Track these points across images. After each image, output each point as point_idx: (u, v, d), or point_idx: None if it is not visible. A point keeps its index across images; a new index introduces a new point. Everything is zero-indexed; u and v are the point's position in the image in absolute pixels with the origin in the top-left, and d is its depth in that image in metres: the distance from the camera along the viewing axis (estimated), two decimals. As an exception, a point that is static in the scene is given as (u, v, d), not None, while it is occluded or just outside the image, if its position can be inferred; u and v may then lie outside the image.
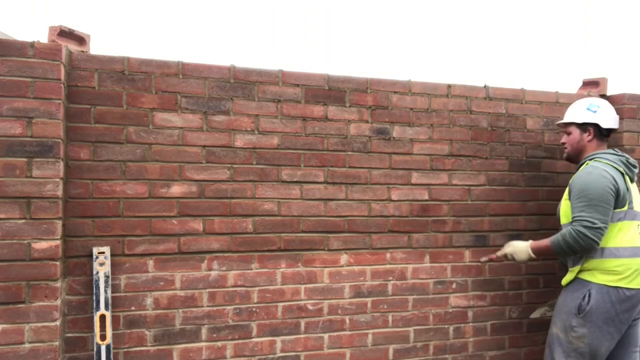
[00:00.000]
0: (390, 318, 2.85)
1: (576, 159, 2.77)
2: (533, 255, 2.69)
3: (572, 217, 2.52)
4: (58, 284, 2.23)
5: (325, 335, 2.74)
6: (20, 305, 2.18)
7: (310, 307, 2.73)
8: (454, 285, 2.98)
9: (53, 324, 2.21)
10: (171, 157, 2.52)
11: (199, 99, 2.56)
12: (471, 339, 3.00)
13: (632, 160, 2.65)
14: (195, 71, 2.55)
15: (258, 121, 2.65)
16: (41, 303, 2.20)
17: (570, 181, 2.65)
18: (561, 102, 3.20)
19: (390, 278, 2.86)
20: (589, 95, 3.26)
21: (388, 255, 2.86)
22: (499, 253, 2.83)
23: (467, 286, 3.00)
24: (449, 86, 2.98)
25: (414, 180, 2.90)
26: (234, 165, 2.61)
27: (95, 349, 2.34)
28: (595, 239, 2.43)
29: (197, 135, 2.55)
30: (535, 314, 3.10)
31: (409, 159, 2.89)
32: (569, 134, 2.77)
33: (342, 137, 2.78)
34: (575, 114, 2.75)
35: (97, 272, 2.37)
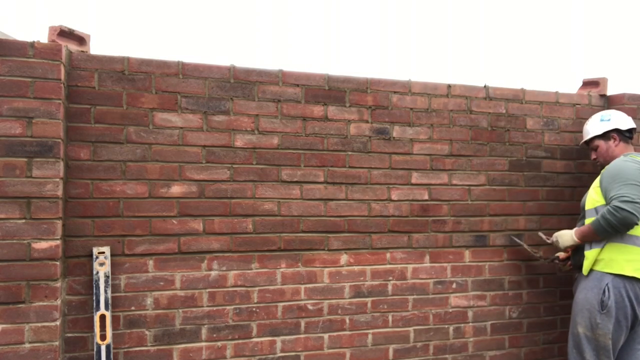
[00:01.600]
0: (390, 318, 2.85)
1: None
2: (577, 240, 2.73)
3: (609, 198, 2.56)
4: (58, 284, 2.23)
5: (325, 335, 2.74)
6: (20, 305, 2.18)
7: (310, 307, 2.73)
8: (454, 285, 2.98)
9: (53, 324, 2.21)
10: (171, 157, 2.52)
11: (199, 99, 2.56)
12: (471, 339, 3.00)
13: None
14: (195, 71, 2.55)
15: (258, 121, 2.65)
16: (41, 303, 2.20)
17: (601, 172, 2.73)
18: (561, 102, 3.20)
19: (390, 278, 2.86)
20: (589, 95, 3.26)
21: (388, 255, 2.86)
22: (549, 239, 2.92)
23: (467, 286, 3.00)
24: (449, 86, 2.98)
25: (414, 180, 2.90)
26: (234, 165, 2.61)
27: (95, 349, 2.34)
28: (634, 212, 2.46)
29: (197, 135, 2.55)
30: (519, 241, 3.05)
31: (409, 159, 2.89)
32: (595, 148, 2.89)
33: (342, 137, 2.78)
34: (594, 128, 2.88)
35: (97, 272, 2.37)
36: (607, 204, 2.58)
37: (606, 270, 2.56)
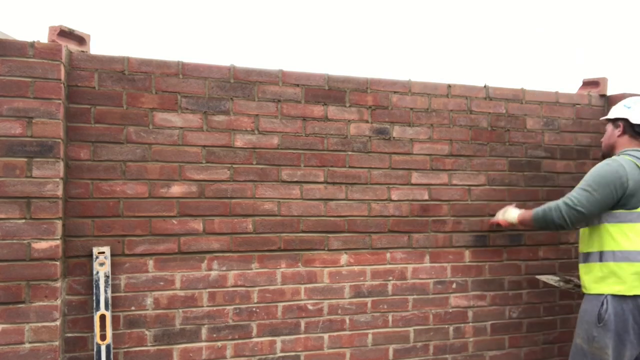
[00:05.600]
0: (390, 318, 2.85)
1: (609, 155, 2.66)
2: (517, 220, 2.75)
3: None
4: (58, 284, 2.23)
5: (325, 335, 2.74)
6: (20, 305, 2.18)
7: (310, 307, 2.73)
8: (454, 285, 2.98)
9: (53, 324, 2.21)
10: (171, 157, 2.52)
11: (199, 99, 2.56)
12: (471, 339, 3.00)
13: None
14: (195, 71, 2.55)
15: (258, 121, 2.65)
16: (41, 303, 2.20)
17: None
18: (561, 102, 3.20)
19: (390, 278, 2.86)
20: (589, 95, 3.26)
21: (388, 255, 2.86)
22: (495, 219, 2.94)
23: (467, 286, 3.00)
24: (449, 86, 2.98)
25: (414, 180, 2.90)
26: (234, 165, 2.61)
27: (95, 349, 2.34)
28: (566, 218, 2.43)
29: (197, 135, 2.55)
30: (545, 278, 3.01)
31: (409, 159, 2.89)
32: (605, 131, 2.74)
33: (342, 137, 2.78)
34: (612, 111, 2.70)
35: (97, 272, 2.37)
36: None
37: (604, 292, 2.43)
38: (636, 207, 2.42)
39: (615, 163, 2.46)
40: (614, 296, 2.40)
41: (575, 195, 2.45)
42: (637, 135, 2.60)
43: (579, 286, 2.87)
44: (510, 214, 2.82)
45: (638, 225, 2.42)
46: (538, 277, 3.05)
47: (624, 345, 2.38)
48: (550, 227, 2.55)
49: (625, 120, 2.59)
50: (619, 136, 2.62)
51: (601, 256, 2.47)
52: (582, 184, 2.48)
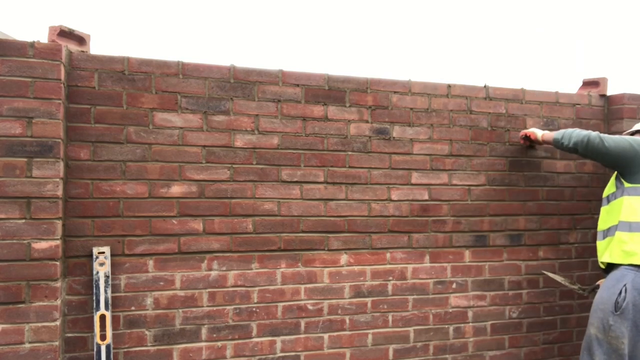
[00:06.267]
0: (390, 318, 2.85)
1: None
2: (540, 136, 2.91)
3: None
4: (58, 284, 2.23)
5: (325, 335, 2.74)
6: (20, 305, 2.18)
7: (310, 307, 2.73)
8: (454, 285, 2.98)
9: (53, 324, 2.21)
10: (171, 157, 2.52)
11: (199, 99, 2.56)
12: (471, 339, 3.00)
13: None
14: (195, 71, 2.55)
15: (258, 121, 2.65)
16: (41, 303, 2.20)
17: None
18: (561, 102, 3.20)
19: (390, 278, 2.86)
20: (589, 95, 3.26)
21: (388, 255, 2.86)
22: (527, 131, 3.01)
23: (467, 286, 3.00)
24: (449, 86, 2.98)
25: (414, 180, 2.90)
26: (234, 165, 2.61)
27: (95, 349, 2.34)
28: (588, 140, 2.58)
29: (197, 135, 2.55)
30: (553, 275, 3.03)
31: (409, 159, 2.89)
32: None
33: (342, 137, 2.78)
34: (637, 124, 2.82)
35: (97, 272, 2.37)
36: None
37: (622, 262, 2.45)
38: None
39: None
40: (634, 281, 2.38)
41: (607, 135, 2.61)
42: None
43: (584, 290, 2.94)
44: (539, 130, 2.96)
45: None
46: (545, 272, 3.06)
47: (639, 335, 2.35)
48: (564, 141, 2.69)
49: None
50: None
51: (621, 226, 2.50)
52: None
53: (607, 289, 2.46)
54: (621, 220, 2.51)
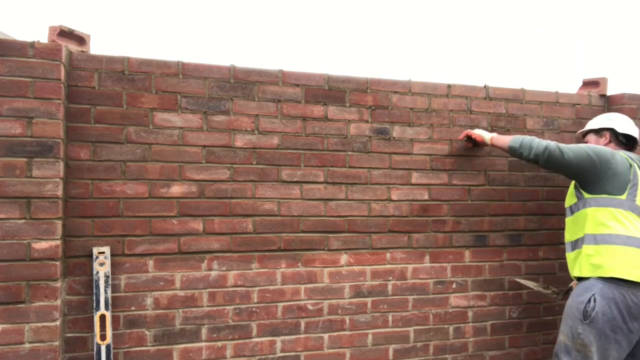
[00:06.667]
0: (390, 318, 2.85)
1: None
2: (489, 138, 2.81)
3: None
4: (58, 284, 2.23)
5: (325, 335, 2.74)
6: (20, 305, 2.18)
7: (310, 307, 2.73)
8: (454, 285, 2.98)
9: (53, 324, 2.21)
10: (171, 157, 2.52)
11: (199, 99, 2.56)
12: (471, 339, 3.00)
13: None
14: (195, 71, 2.55)
15: (258, 121, 2.65)
16: (41, 303, 2.20)
17: None
18: (561, 102, 3.20)
19: (390, 278, 2.86)
20: (589, 95, 3.26)
21: (388, 255, 2.86)
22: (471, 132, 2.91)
23: (467, 286, 3.00)
24: (449, 86, 2.98)
25: (414, 180, 2.90)
26: (234, 165, 2.61)
27: (95, 349, 2.34)
28: (547, 151, 2.53)
29: (197, 135, 2.55)
30: (524, 282, 3.01)
31: (409, 159, 2.89)
32: (586, 142, 2.83)
33: (342, 137, 2.78)
34: (592, 123, 2.84)
35: (97, 272, 2.37)
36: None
37: (591, 275, 2.45)
38: (622, 194, 2.48)
39: (610, 149, 2.60)
40: (603, 290, 2.38)
41: (565, 145, 2.56)
42: (621, 144, 2.74)
43: (557, 293, 2.94)
44: (486, 132, 2.87)
45: (621, 210, 2.46)
46: (516, 279, 3.04)
47: (609, 344, 2.36)
48: (524, 152, 2.62)
49: (611, 130, 2.74)
50: (605, 145, 2.73)
51: (587, 239, 2.50)
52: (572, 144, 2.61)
53: (576, 297, 2.48)
54: (586, 233, 2.51)
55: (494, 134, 2.83)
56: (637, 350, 2.47)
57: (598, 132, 2.78)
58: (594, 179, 2.51)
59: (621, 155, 2.56)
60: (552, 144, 2.56)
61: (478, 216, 3.02)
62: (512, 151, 2.70)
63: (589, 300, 2.39)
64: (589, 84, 3.34)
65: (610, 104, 3.27)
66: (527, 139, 2.64)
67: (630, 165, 2.53)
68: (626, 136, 2.72)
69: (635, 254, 2.39)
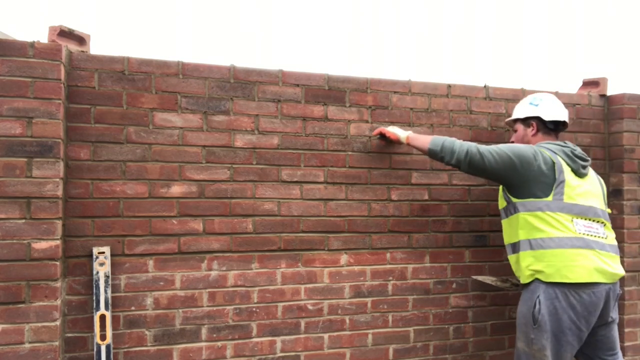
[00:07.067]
0: (390, 318, 2.85)
1: None
2: (405, 137, 2.64)
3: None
4: (58, 284, 2.23)
5: (325, 335, 2.75)
6: (20, 305, 2.18)
7: (310, 307, 2.73)
8: (454, 285, 2.98)
9: (53, 324, 2.21)
10: (171, 157, 2.52)
11: (199, 99, 2.56)
12: (471, 339, 3.00)
13: (579, 152, 2.53)
14: (195, 71, 2.55)
15: (258, 121, 2.65)
16: (41, 303, 2.20)
17: None
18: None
19: (390, 278, 2.86)
20: (589, 95, 3.26)
21: (388, 255, 2.86)
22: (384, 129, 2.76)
23: (467, 286, 3.00)
24: (449, 86, 2.98)
25: (414, 180, 2.90)
26: (234, 165, 2.61)
27: (95, 349, 2.34)
28: (469, 155, 2.41)
29: (197, 135, 2.55)
30: (482, 278, 2.97)
31: (409, 159, 2.89)
32: (515, 131, 2.77)
33: (342, 137, 2.78)
34: (518, 110, 2.74)
35: (97, 272, 2.37)
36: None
37: (536, 277, 2.42)
38: (547, 196, 2.41)
39: (532, 147, 2.49)
40: (546, 292, 2.36)
41: (486, 147, 2.45)
42: (550, 131, 2.65)
43: (517, 285, 2.85)
44: (401, 130, 2.72)
45: (550, 212, 2.41)
46: (474, 277, 2.99)
47: (561, 346, 2.35)
48: (445, 156, 2.49)
49: (538, 119, 2.64)
50: (533, 135, 2.67)
51: (523, 245, 2.47)
52: (494, 146, 2.50)
53: (524, 303, 2.47)
54: (521, 240, 2.48)
55: (410, 133, 2.67)
56: (596, 343, 2.47)
57: (525, 121, 2.68)
58: (517, 182, 2.45)
59: (543, 153, 2.46)
60: (473, 146, 2.44)
61: (478, 216, 3.02)
62: (431, 154, 2.55)
63: (535, 304, 2.38)
64: (589, 84, 3.34)
65: (610, 104, 3.27)
66: (448, 141, 2.50)
67: (554, 163, 2.43)
68: (554, 122, 2.64)
69: (570, 255, 2.35)
